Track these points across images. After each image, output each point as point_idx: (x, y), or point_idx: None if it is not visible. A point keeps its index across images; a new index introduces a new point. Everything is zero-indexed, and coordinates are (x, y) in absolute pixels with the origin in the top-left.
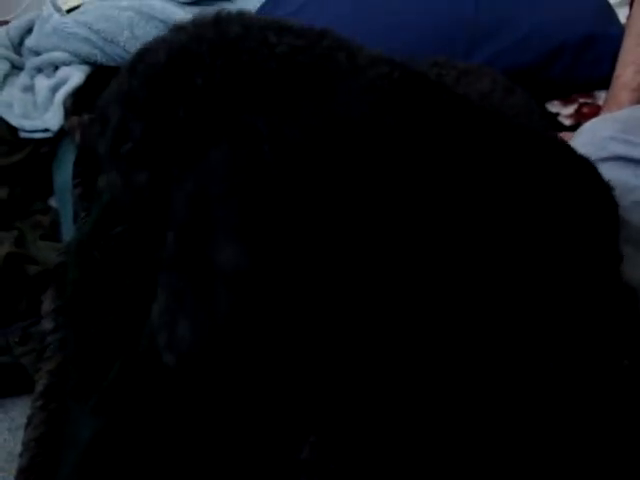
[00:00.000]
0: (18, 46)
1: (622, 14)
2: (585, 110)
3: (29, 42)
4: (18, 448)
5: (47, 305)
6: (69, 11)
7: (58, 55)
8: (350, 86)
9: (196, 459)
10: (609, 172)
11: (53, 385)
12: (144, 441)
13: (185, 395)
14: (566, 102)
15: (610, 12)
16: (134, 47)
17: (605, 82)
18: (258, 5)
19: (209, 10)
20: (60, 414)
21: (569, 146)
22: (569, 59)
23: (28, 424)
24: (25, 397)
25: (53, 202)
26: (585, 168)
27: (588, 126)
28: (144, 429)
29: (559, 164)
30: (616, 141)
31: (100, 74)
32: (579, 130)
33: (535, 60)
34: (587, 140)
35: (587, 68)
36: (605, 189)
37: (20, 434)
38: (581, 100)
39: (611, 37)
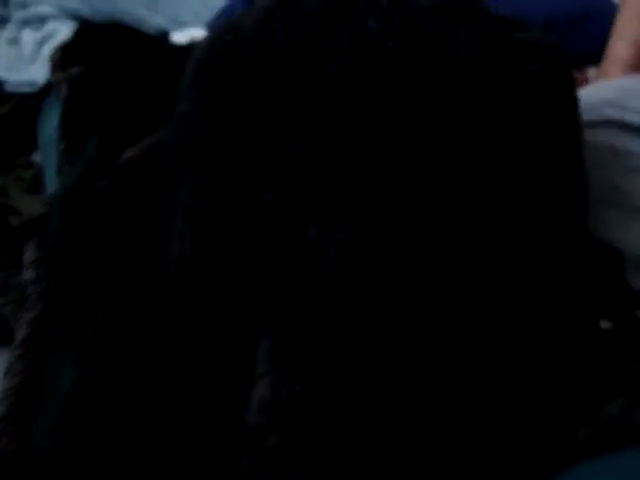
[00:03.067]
0: None
1: None
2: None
3: None
4: None
5: (29, 256)
6: None
7: (45, 9)
8: None
9: (175, 407)
10: (603, 136)
11: (33, 335)
12: (127, 390)
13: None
14: None
15: None
16: (124, 3)
17: (598, 59)
18: None
19: None
20: (39, 363)
21: None
22: (561, 34)
23: (7, 372)
24: (2, 348)
25: (36, 157)
26: None
27: (583, 92)
28: (127, 378)
29: None
30: (612, 106)
31: (87, 30)
32: None
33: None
34: (582, 105)
35: (580, 44)
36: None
37: None
38: None
39: (605, 12)
